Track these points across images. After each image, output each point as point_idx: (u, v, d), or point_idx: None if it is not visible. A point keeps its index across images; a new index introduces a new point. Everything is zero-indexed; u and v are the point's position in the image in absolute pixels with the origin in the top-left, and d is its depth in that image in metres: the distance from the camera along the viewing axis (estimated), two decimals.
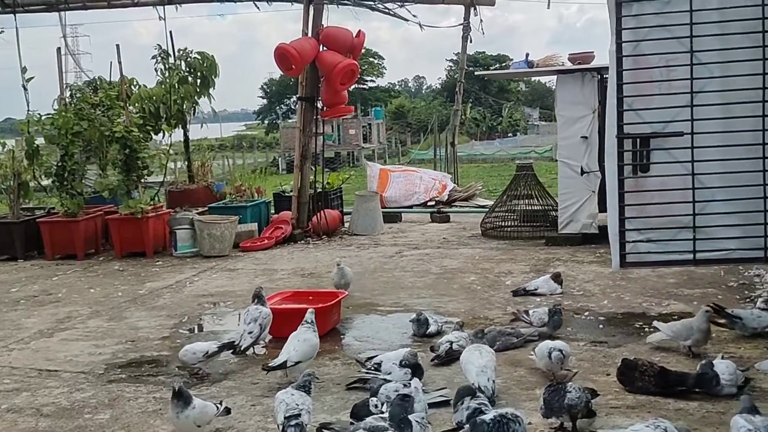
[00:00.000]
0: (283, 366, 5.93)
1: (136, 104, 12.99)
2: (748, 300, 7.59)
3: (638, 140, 6.30)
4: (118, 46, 13.12)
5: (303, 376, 5.15)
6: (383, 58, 72.16)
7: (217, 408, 5.14)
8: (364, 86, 67.47)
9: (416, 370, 5.76)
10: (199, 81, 13.56)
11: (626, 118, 6.26)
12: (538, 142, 47.27)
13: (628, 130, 6.28)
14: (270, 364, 6.03)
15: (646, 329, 7.14)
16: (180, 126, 14.13)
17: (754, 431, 4.27)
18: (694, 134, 6.10)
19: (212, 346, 6.49)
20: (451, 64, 65.76)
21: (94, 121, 12.36)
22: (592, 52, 11.42)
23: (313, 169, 13.59)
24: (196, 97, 13.50)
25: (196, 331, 7.98)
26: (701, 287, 8.61)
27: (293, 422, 4.58)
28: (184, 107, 13.48)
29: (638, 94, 6.22)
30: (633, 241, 6.42)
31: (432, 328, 7.19)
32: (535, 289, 8.56)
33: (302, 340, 6.15)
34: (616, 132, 6.28)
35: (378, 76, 71.89)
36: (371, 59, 68.94)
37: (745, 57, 6.03)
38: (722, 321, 6.71)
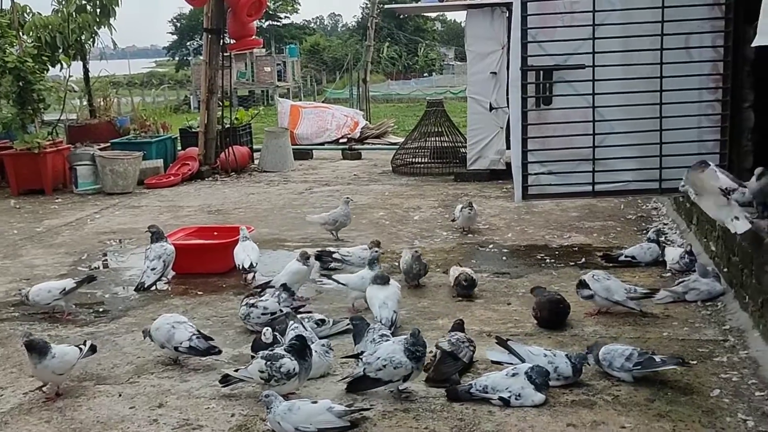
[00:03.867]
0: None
1: (31, 33, 12.32)
2: (644, 231, 7.85)
3: (541, 72, 6.32)
4: None
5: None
6: None
7: (80, 350, 4.85)
8: (278, 23, 65.89)
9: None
10: (98, 10, 12.92)
11: (530, 50, 6.27)
12: (454, 82, 47.26)
13: (532, 63, 6.29)
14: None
15: (547, 260, 7.33)
16: (79, 58, 13.50)
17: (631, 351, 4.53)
18: (595, 67, 6.17)
19: (69, 283, 6.22)
20: (366, 1, 64.74)
21: None
22: None
23: (221, 104, 13.26)
24: (95, 27, 12.88)
25: (101, 268, 7.76)
26: (601, 220, 8.87)
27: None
28: (83, 37, 12.85)
29: (542, 26, 6.22)
30: (535, 174, 6.50)
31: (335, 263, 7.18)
32: (454, 220, 8.60)
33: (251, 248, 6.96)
34: (520, 64, 6.29)
35: (292, 13, 70.23)
36: None
37: None
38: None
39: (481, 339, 5.27)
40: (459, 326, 5.15)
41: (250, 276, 6.93)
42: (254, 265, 6.86)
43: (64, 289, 6.13)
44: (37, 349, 4.61)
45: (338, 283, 6.16)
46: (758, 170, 5.54)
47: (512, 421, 4.16)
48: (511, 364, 4.66)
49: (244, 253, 6.90)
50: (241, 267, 6.84)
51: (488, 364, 4.90)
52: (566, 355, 4.62)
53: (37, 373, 4.68)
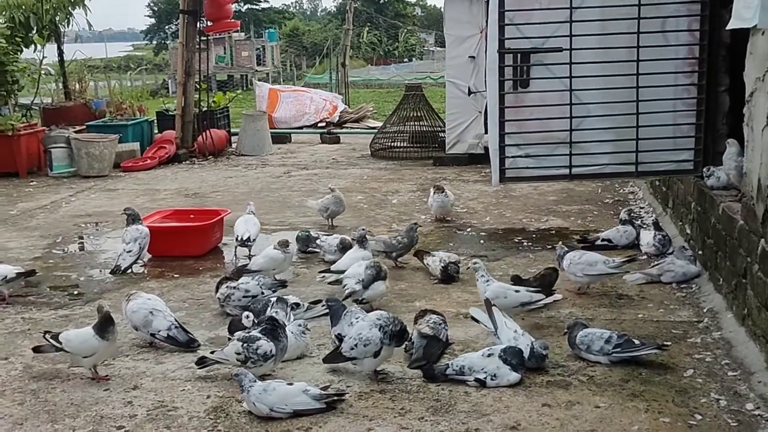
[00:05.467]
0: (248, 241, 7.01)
1: (4, 13, 12.09)
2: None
3: (519, 55, 6.31)
4: None
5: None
6: None
7: None
8: (257, 7, 65.39)
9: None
10: None
11: (507, 33, 6.24)
12: (434, 68, 47.12)
13: (509, 45, 6.27)
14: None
15: (525, 243, 7.35)
16: (54, 40, 13.30)
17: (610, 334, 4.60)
18: (573, 50, 6.16)
19: (11, 272, 6.07)
20: None
21: None
22: None
23: (199, 87, 13.14)
24: (69, 8, 12.67)
25: (77, 251, 7.70)
26: (579, 204, 8.91)
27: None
28: (57, 18, 12.64)
29: (519, 8, 6.19)
30: (512, 157, 6.49)
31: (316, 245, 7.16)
32: (431, 206, 8.49)
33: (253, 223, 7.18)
34: (497, 47, 6.26)
35: None
36: None
37: None
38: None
39: (457, 321, 5.30)
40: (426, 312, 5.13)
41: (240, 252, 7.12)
42: (251, 239, 7.00)
43: (5, 278, 6.01)
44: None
45: (338, 272, 6.05)
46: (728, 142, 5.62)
47: (488, 401, 4.18)
48: (486, 326, 4.79)
49: (245, 226, 7.07)
50: (239, 239, 7.00)
51: (464, 345, 4.93)
52: (532, 341, 4.61)
53: (111, 349, 4.65)
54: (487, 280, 5.38)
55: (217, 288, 5.73)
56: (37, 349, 4.73)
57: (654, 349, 4.56)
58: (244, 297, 5.58)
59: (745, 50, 4.99)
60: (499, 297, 5.22)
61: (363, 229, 6.45)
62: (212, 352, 4.61)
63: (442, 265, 6.28)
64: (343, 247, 6.71)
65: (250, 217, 7.23)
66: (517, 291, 5.35)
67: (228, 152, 13.50)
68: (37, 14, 12.32)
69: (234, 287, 5.61)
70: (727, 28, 5.17)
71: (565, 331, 4.81)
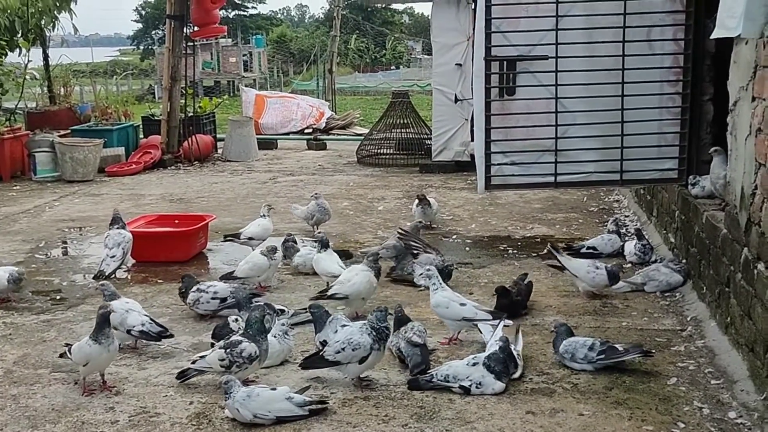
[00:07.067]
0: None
1: None
2: (606, 224, 7.91)
3: (505, 63, 6.33)
4: None
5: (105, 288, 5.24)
6: None
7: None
8: (245, 13, 65.38)
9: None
10: None
11: (494, 41, 6.26)
12: (421, 75, 47.22)
13: (496, 53, 6.29)
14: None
15: (510, 251, 7.36)
16: (39, 44, 13.23)
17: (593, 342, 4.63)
18: (559, 58, 6.19)
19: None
20: None
21: None
22: None
23: (185, 92, 13.10)
24: (55, 12, 12.61)
25: (60, 256, 7.64)
26: (564, 212, 8.94)
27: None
28: (43, 22, 12.57)
29: (506, 16, 6.22)
30: (498, 164, 6.50)
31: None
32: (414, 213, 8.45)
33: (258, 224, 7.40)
34: (483, 54, 6.28)
35: (259, 3, 69.66)
36: None
37: None
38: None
39: (441, 327, 5.28)
40: (404, 316, 5.09)
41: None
42: (249, 237, 7.22)
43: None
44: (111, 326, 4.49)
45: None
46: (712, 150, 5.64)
47: (472, 408, 4.17)
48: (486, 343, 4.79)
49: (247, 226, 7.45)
50: (242, 236, 7.27)
51: (449, 352, 4.92)
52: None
53: (108, 357, 4.47)
54: (436, 289, 5.25)
55: (181, 291, 5.74)
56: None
57: (639, 354, 4.56)
58: (212, 299, 5.57)
59: (729, 59, 5.03)
60: (441, 306, 5.15)
61: (320, 233, 6.62)
62: (193, 362, 4.56)
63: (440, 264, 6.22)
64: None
65: (260, 220, 7.39)
66: (462, 304, 5.15)
67: (214, 158, 13.47)
68: (23, 18, 12.24)
69: (203, 290, 5.60)
70: (712, 37, 5.20)
71: (552, 330, 4.81)
